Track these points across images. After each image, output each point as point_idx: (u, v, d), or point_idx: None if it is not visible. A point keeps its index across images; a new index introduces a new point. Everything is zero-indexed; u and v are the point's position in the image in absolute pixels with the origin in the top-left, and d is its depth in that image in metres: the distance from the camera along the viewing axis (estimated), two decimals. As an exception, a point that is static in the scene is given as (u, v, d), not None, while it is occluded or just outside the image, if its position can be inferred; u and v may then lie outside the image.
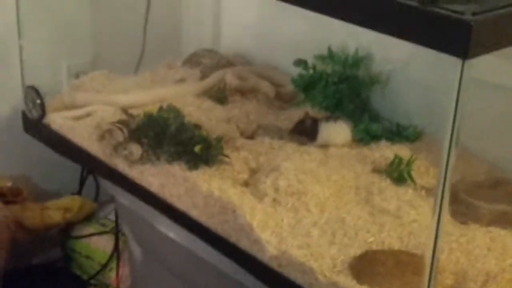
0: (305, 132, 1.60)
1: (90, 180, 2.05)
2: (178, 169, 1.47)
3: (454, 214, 1.39)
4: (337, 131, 1.59)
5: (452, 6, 0.97)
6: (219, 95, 1.80)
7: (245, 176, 1.49)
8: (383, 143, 1.61)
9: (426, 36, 0.99)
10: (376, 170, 1.52)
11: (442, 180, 1.06)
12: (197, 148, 1.47)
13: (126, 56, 2.00)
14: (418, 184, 1.47)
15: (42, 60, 1.88)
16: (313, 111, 1.73)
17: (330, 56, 1.76)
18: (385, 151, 1.57)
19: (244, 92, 1.82)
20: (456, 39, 0.95)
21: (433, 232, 1.08)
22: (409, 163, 1.49)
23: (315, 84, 1.76)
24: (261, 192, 1.41)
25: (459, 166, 1.49)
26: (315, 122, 1.60)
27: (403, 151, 1.57)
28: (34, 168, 1.99)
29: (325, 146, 1.58)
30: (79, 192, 2.06)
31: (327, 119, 1.60)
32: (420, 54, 1.63)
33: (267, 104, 1.78)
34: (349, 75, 1.74)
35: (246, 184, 1.47)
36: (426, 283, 1.08)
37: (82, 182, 2.06)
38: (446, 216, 1.34)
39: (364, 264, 1.23)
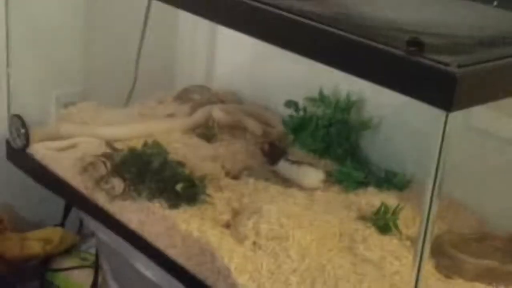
0: (266, 155, 1.64)
1: (74, 211, 2.02)
2: (158, 207, 1.44)
3: (439, 267, 1.35)
4: (303, 175, 1.58)
5: (438, 57, 0.95)
6: (208, 133, 1.78)
7: (227, 217, 1.45)
8: (371, 189, 1.58)
9: (411, 86, 0.97)
10: (362, 217, 1.48)
11: (423, 231, 1.04)
12: (179, 187, 1.45)
13: (117, 89, 1.97)
14: (403, 234, 1.44)
15: (31, 89, 1.86)
16: (302, 153, 1.72)
17: (321, 98, 1.74)
18: (372, 198, 1.54)
19: (232, 129, 1.80)
20: (440, 90, 0.93)
21: (413, 285, 1.05)
22: (395, 212, 1.45)
23: (305, 126, 1.73)
24: (241, 235, 1.38)
25: (445, 217, 1.48)
26: (275, 149, 1.65)
27: (390, 199, 1.53)
28: (16, 197, 1.95)
29: (303, 189, 1.56)
30: (62, 224, 2.02)
31: (292, 162, 1.60)
32: (412, 101, 1.61)
33: (256, 144, 1.75)
34: (340, 119, 1.71)
35: (227, 225, 1.44)
36: None
37: (65, 214, 2.02)
38: (429, 268, 1.32)
39: (341, 316, 1.19)
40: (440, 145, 0.97)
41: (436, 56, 0.95)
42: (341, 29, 1.05)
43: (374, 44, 1.00)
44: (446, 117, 0.95)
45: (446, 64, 0.93)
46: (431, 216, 1.02)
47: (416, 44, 0.96)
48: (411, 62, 0.96)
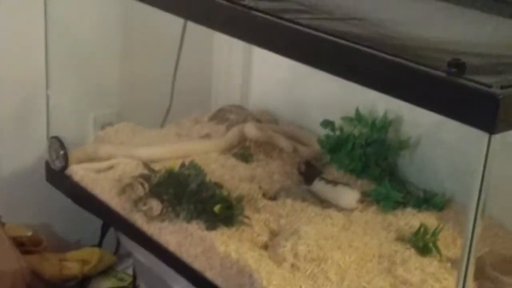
0: (302, 174, 1.65)
1: (111, 232, 2.03)
2: (196, 228, 1.45)
3: (480, 289, 1.33)
4: (339, 194, 1.57)
5: (480, 78, 0.93)
6: (244, 153, 1.78)
7: (264, 238, 1.45)
8: (409, 210, 1.56)
9: (452, 108, 0.96)
10: (401, 239, 1.47)
11: (466, 253, 1.02)
12: (216, 208, 1.45)
13: (153, 109, 1.99)
14: (444, 256, 1.42)
15: (69, 111, 1.88)
16: (338, 173, 1.71)
17: (358, 118, 1.73)
18: (410, 219, 1.52)
19: (265, 147, 1.80)
20: (482, 112, 0.91)
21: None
22: (435, 233, 1.44)
23: (342, 146, 1.72)
24: (279, 257, 1.37)
25: (487, 238, 1.46)
26: (312, 169, 1.66)
27: (429, 219, 1.52)
28: (55, 218, 1.97)
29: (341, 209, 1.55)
30: (99, 244, 2.03)
31: (327, 182, 1.59)
32: (451, 120, 1.59)
33: (292, 164, 1.74)
34: (377, 138, 1.70)
35: (265, 246, 1.44)
36: None
37: (103, 234, 2.03)
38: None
39: None
40: (483, 166, 0.96)
41: (478, 77, 0.94)
42: (380, 50, 1.04)
43: (414, 65, 0.99)
44: (489, 139, 0.93)
45: (489, 86, 0.92)
46: (475, 238, 1.00)
47: (457, 65, 0.95)
48: (453, 84, 0.95)
